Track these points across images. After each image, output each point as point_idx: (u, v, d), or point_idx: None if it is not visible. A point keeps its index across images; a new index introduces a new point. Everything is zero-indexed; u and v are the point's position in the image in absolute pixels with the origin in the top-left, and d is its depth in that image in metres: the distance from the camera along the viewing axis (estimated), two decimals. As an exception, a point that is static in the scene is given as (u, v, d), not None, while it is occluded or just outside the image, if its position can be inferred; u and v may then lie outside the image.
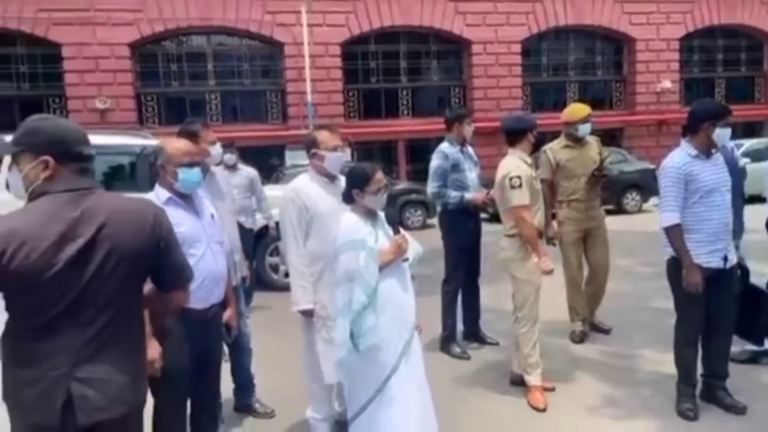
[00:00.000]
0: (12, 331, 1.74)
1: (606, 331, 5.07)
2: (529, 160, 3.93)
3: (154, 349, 2.32)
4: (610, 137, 17.68)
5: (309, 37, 15.28)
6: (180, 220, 2.49)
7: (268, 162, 15.60)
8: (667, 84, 19.92)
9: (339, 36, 17.32)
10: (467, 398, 3.92)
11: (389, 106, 18.40)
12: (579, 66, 20.23)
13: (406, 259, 2.86)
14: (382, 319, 2.68)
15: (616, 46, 20.44)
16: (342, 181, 3.31)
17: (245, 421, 3.72)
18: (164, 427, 2.52)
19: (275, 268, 7.21)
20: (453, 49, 19.04)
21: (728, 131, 3.47)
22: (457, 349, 4.67)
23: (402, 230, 2.90)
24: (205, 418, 2.76)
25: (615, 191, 12.88)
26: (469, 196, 4.65)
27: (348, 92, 18.04)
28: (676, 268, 3.54)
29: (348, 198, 2.90)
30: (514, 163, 3.83)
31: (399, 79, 18.61)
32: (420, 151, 16.56)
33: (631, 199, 13.70)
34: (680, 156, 3.52)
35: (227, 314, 2.76)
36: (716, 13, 20.20)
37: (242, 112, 18.02)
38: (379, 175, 2.86)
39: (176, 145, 2.64)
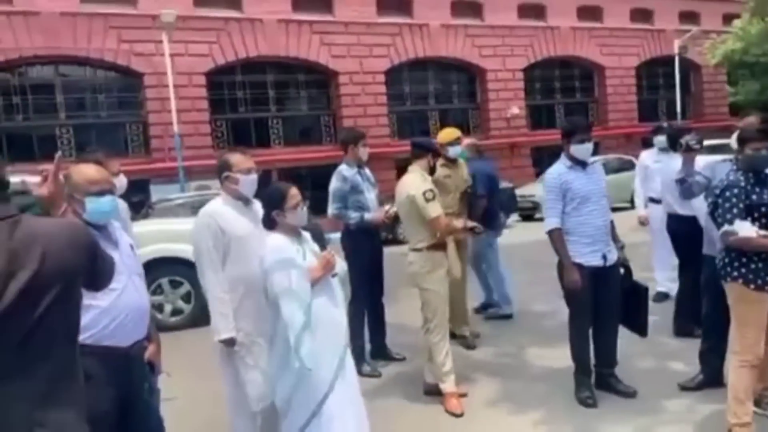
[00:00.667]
0: None
1: (476, 336, 5.39)
2: (427, 176, 4.16)
3: None
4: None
5: (171, 67, 14.71)
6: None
7: (129, 198, 14.61)
8: (515, 110, 21.82)
9: (203, 65, 16.90)
10: (387, 412, 3.97)
11: (260, 136, 18.21)
12: (438, 95, 21.51)
13: (335, 275, 2.88)
14: (317, 336, 2.68)
15: (469, 77, 22.03)
16: (256, 204, 3.28)
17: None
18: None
19: (159, 308, 6.78)
20: (320, 79, 19.37)
21: (585, 146, 3.87)
22: (367, 368, 4.72)
23: (329, 246, 2.93)
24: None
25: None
26: (369, 216, 4.77)
27: (216, 122, 17.59)
28: (562, 267, 3.92)
29: (268, 222, 2.87)
30: (419, 178, 4.04)
31: (268, 108, 18.53)
32: (293, 180, 16.45)
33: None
34: (557, 167, 3.93)
35: (150, 350, 2.58)
36: (552, 46, 22.59)
37: (99, 147, 16.78)
38: (294, 191, 2.88)
39: (84, 171, 2.45)
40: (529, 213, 15.78)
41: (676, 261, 6.20)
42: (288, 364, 2.67)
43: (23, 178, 3.14)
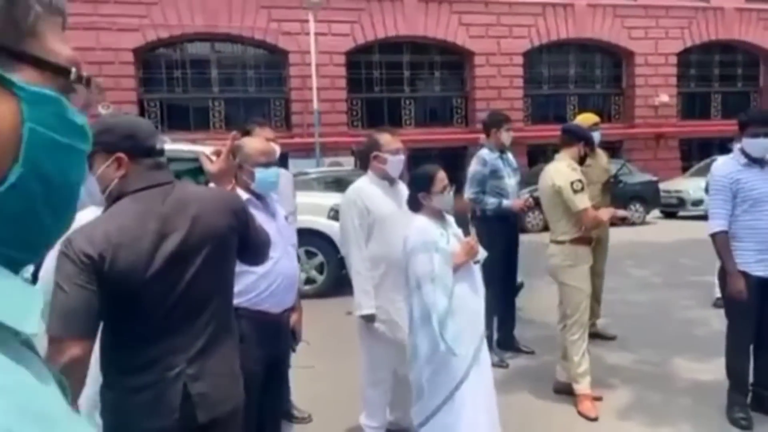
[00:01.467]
0: (111, 344, 1.67)
1: (612, 338, 5.11)
2: (577, 166, 3.96)
3: None
4: (609, 150, 17.82)
5: (315, 45, 15.28)
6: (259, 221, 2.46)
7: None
8: (664, 98, 20.13)
9: (344, 45, 17.37)
10: (515, 406, 3.88)
11: (392, 116, 18.42)
12: (579, 79, 20.41)
13: (477, 261, 2.84)
14: (457, 324, 2.66)
15: (615, 60, 20.66)
16: (401, 184, 3.31)
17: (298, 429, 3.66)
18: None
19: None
20: (455, 60, 19.14)
21: (760, 141, 3.41)
22: (494, 357, 4.60)
23: (473, 231, 2.88)
24: (270, 424, 2.70)
25: (619, 202, 12.97)
26: (507, 203, 4.65)
27: (352, 101, 18.07)
28: (725, 274, 3.57)
29: (414, 204, 2.88)
30: (569, 167, 3.87)
31: (402, 88, 18.67)
32: (423, 161, 16.54)
33: (635, 210, 13.77)
34: (729, 164, 3.55)
35: (294, 318, 2.72)
36: (714, 29, 20.50)
37: (245, 120, 17.95)
38: (442, 174, 2.85)
39: (253, 144, 2.61)
40: (673, 210, 14.63)
41: None
42: (429, 347, 2.67)
43: (198, 150, 3.40)
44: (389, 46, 18.27)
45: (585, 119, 5.03)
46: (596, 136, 4.94)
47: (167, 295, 1.65)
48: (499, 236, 4.69)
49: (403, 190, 3.31)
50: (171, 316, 1.67)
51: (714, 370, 4.25)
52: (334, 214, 7.20)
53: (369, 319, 3.10)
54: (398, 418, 3.47)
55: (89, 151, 0.57)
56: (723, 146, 19.73)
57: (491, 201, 4.66)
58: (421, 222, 2.79)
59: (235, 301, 2.38)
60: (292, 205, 3.83)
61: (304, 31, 16.00)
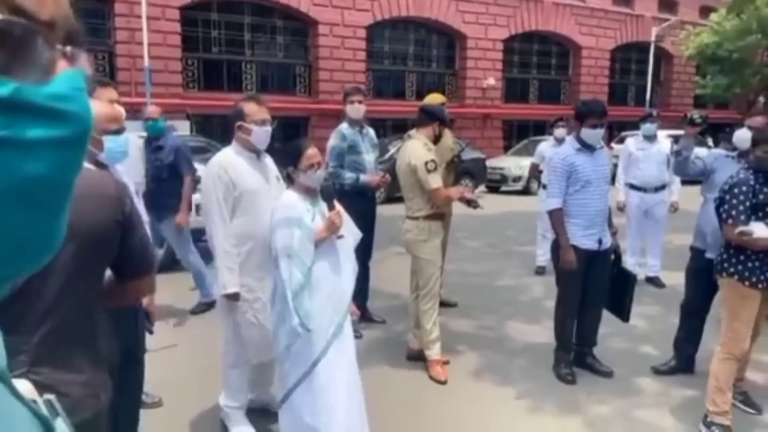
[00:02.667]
0: None
1: (454, 305, 5.49)
2: (431, 146, 4.10)
3: None
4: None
5: (145, -4, 13.96)
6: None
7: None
8: (491, 81, 21.77)
9: (178, -1, 16.11)
10: (369, 375, 3.97)
11: (232, 79, 17.61)
12: (417, 57, 21.21)
13: (341, 236, 2.81)
14: (315, 300, 2.64)
15: (449, 41, 21.78)
16: (267, 157, 3.18)
17: (149, 414, 3.40)
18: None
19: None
20: (299, 27, 18.76)
21: (597, 132, 3.87)
22: (349, 329, 4.73)
23: (338, 206, 2.85)
24: (127, 417, 2.48)
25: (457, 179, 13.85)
26: (364, 178, 4.71)
27: (187, 60, 16.89)
28: (557, 247, 3.98)
29: (286, 178, 2.79)
30: (423, 147, 3.98)
31: (243, 51, 17.88)
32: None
33: (465, 185, 14.76)
34: (565, 149, 3.95)
35: (146, 300, 2.49)
36: (534, 20, 22.50)
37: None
38: (312, 151, 2.78)
39: (100, 109, 2.28)
40: (497, 185, 15.95)
41: (644, 246, 6.46)
42: (284, 321, 2.63)
43: None
44: (229, 5, 17.33)
45: (433, 99, 5.21)
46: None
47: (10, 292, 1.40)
48: (357, 210, 4.71)
49: (270, 163, 3.19)
50: (12, 313, 1.42)
51: (541, 332, 4.78)
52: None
53: (233, 297, 2.96)
54: (258, 395, 3.39)
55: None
56: (538, 128, 22.01)
57: (349, 176, 4.68)
58: (290, 197, 2.72)
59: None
60: (140, 174, 3.49)
61: (134, -21, 14.57)
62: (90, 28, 15.93)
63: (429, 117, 4.14)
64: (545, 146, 6.95)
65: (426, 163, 3.90)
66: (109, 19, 15.74)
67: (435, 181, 3.92)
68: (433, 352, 4.03)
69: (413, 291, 4.22)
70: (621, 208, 6.40)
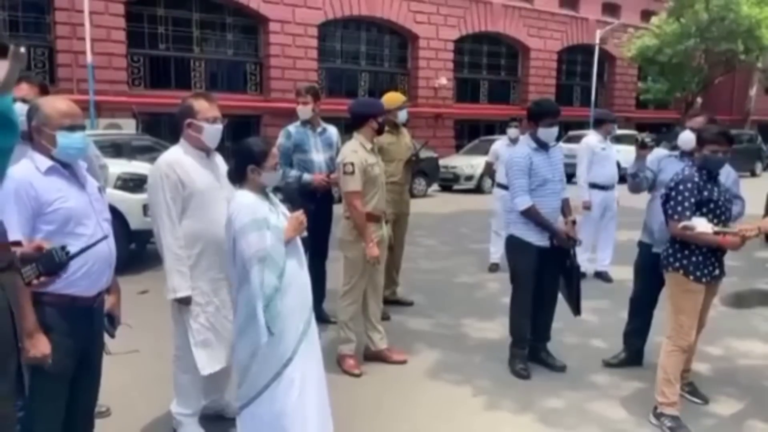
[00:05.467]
0: None
1: (410, 304, 5.51)
2: (369, 145, 4.04)
3: (43, 345, 1.94)
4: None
5: (87, -10, 13.43)
6: (65, 194, 2.11)
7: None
8: (443, 81, 22.00)
9: (122, -7, 15.58)
10: (327, 377, 3.92)
11: (180, 77, 17.16)
12: (369, 56, 21.21)
13: (304, 237, 2.78)
14: (286, 300, 2.58)
15: (401, 41, 21.87)
16: (218, 156, 3.09)
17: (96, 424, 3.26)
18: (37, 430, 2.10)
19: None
20: (249, 24, 18.47)
21: (552, 131, 3.93)
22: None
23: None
24: (81, 423, 2.37)
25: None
26: (308, 176, 4.66)
27: (132, 57, 16.36)
28: (513, 245, 4.03)
29: (239, 176, 2.69)
30: (351, 148, 3.96)
31: (191, 48, 17.46)
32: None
33: (418, 184, 14.86)
34: (523, 149, 3.99)
35: (111, 301, 2.39)
36: (484, 21, 22.85)
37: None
38: (275, 150, 2.73)
39: (54, 104, 2.19)
40: (449, 184, 16.11)
41: (595, 242, 6.63)
42: (248, 329, 2.56)
43: None
44: (176, 1, 16.87)
45: (391, 99, 5.18)
46: (404, 114, 5.17)
47: None
48: (310, 211, 4.66)
49: (221, 162, 3.10)
50: None
51: (496, 329, 4.84)
52: (122, 184, 6.52)
53: (184, 302, 2.86)
54: (212, 401, 3.30)
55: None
56: (488, 128, 22.36)
57: (293, 174, 4.65)
58: (248, 198, 2.63)
59: (37, 288, 2.02)
60: (101, 176, 3.34)
61: (74, -28, 14.01)
62: (28, 23, 15.26)
63: (358, 117, 4.04)
64: (500, 145, 7.01)
65: (344, 165, 3.88)
66: (49, 13, 15.11)
67: (348, 184, 3.88)
68: (346, 347, 4.10)
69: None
70: (588, 207, 6.37)
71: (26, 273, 1.68)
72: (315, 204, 4.74)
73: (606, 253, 6.58)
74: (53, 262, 1.73)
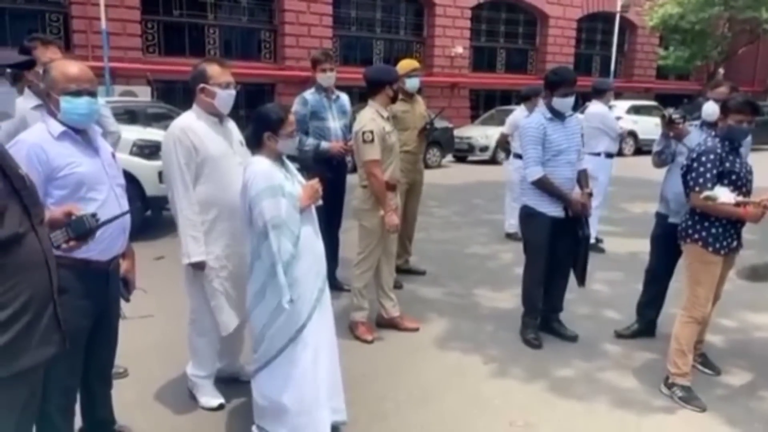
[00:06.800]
0: None
1: (423, 273, 5.52)
2: (385, 113, 4.02)
3: None
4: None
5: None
6: (77, 159, 2.12)
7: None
8: (459, 50, 21.59)
9: (135, -42, 15.40)
10: (340, 343, 3.91)
11: (194, 44, 17.04)
12: (384, 24, 20.87)
13: (320, 205, 2.79)
14: (302, 266, 2.60)
15: (417, 9, 21.46)
16: (230, 122, 3.08)
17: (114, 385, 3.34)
18: (55, 391, 2.16)
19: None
20: (263, -10, 18.22)
21: (568, 101, 3.86)
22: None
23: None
24: (98, 382, 2.43)
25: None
26: (325, 144, 4.64)
27: (146, 23, 16.25)
28: (526, 215, 4.01)
29: (256, 142, 2.69)
30: (369, 116, 3.91)
31: (205, 15, 17.28)
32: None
33: (433, 155, 14.75)
34: (537, 118, 3.92)
35: (125, 266, 2.42)
36: (502, -12, 22.31)
37: (13, 37, 15.11)
38: (292, 118, 2.72)
39: (62, 68, 2.17)
40: (464, 155, 15.98)
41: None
42: (266, 294, 2.58)
43: None
44: (189, -35, 16.67)
45: (404, 65, 5.12)
46: (414, 81, 5.09)
47: None
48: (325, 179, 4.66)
49: (234, 128, 3.09)
50: None
51: (508, 299, 4.85)
52: (137, 150, 6.54)
53: (198, 266, 2.88)
54: (227, 364, 3.35)
55: None
56: (505, 98, 22.06)
57: (310, 142, 4.62)
58: (264, 165, 2.62)
59: (55, 250, 2.05)
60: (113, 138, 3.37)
61: (87, -64, 13.85)
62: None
63: (374, 84, 3.99)
64: (518, 115, 6.90)
65: (363, 134, 3.83)
66: (63, -22, 15.01)
67: (369, 152, 3.84)
68: (358, 314, 4.13)
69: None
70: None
71: (55, 237, 1.71)
72: (332, 172, 4.74)
73: (596, 222, 6.54)
74: (83, 228, 1.76)
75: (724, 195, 2.94)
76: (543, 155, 3.78)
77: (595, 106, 6.52)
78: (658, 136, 3.95)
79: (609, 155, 6.49)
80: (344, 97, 4.87)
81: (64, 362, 2.14)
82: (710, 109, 3.58)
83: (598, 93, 6.59)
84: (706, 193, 2.99)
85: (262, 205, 2.50)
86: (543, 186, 3.81)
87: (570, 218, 3.92)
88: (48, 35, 12.70)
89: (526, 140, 3.85)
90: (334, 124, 4.71)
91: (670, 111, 3.80)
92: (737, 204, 2.98)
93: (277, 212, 2.51)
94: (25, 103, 2.96)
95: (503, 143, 7.61)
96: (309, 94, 4.66)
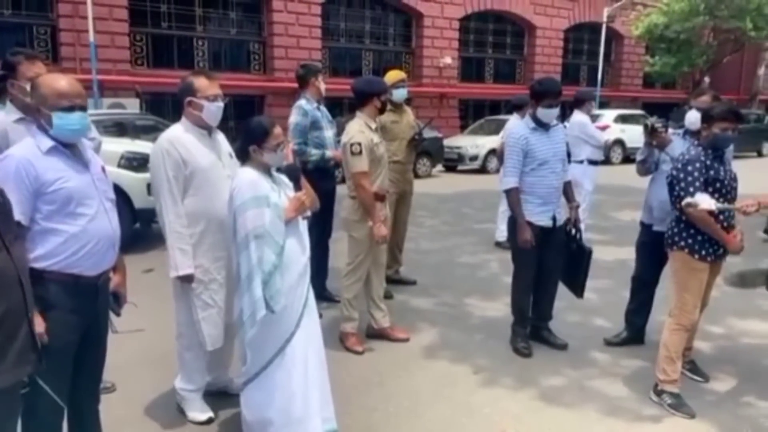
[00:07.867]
0: None
1: (413, 283, 5.52)
2: (373, 124, 4.04)
3: (38, 324, 1.94)
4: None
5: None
6: (66, 174, 2.11)
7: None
8: (448, 60, 21.74)
9: (123, -29, 15.40)
10: (330, 354, 3.91)
11: (183, 57, 17.03)
12: (373, 35, 20.98)
13: (307, 217, 2.79)
14: (287, 278, 2.60)
15: (406, 20, 21.60)
16: (219, 134, 3.09)
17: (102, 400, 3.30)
18: (41, 406, 2.13)
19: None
20: (252, 3, 18.24)
21: (553, 111, 3.88)
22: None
23: (306, 185, 2.81)
24: (86, 398, 2.41)
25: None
26: (330, 153, 4.66)
27: (135, 36, 16.24)
28: (514, 224, 4.02)
29: (243, 154, 2.71)
30: (357, 128, 3.92)
31: (194, 27, 17.28)
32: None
33: (423, 165, 14.79)
34: (521, 128, 3.96)
35: (116, 280, 2.40)
36: (490, -1, 22.53)
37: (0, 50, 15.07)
38: (278, 130, 2.73)
39: (51, 83, 2.16)
40: (454, 164, 16.03)
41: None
42: (260, 308, 2.58)
43: None
44: (178, -22, 16.69)
45: (391, 76, 5.16)
46: (402, 92, 5.12)
47: None
48: (319, 189, 4.63)
49: (223, 140, 3.09)
50: None
51: (498, 308, 4.86)
52: (125, 163, 6.52)
53: (187, 279, 2.87)
54: (216, 377, 3.33)
55: None
56: (494, 107, 22.20)
57: (315, 152, 4.64)
58: (251, 175, 2.64)
59: (42, 264, 2.05)
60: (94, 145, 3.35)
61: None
62: (30, 1, 15.13)
63: (362, 95, 4.01)
64: (514, 123, 7.01)
65: (351, 145, 3.85)
66: (49, -9, 14.97)
67: (356, 164, 3.85)
68: (348, 325, 4.13)
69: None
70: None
71: None
72: (327, 182, 4.70)
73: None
74: None
75: (704, 201, 2.97)
76: (524, 166, 3.82)
77: (576, 116, 6.72)
78: (642, 145, 4.00)
79: (593, 162, 6.64)
80: (324, 108, 4.89)
81: (52, 378, 2.12)
82: (693, 118, 3.63)
83: (579, 103, 6.82)
84: (687, 200, 3.02)
85: (245, 215, 2.52)
86: (511, 198, 3.87)
87: (557, 228, 3.96)
88: (33, 50, 12.68)
89: (507, 150, 3.92)
90: (329, 133, 4.75)
91: (652, 120, 3.83)
92: (719, 211, 3.02)
93: (261, 222, 2.52)
94: (7, 116, 2.95)
95: (502, 153, 7.67)
96: (305, 104, 4.67)
